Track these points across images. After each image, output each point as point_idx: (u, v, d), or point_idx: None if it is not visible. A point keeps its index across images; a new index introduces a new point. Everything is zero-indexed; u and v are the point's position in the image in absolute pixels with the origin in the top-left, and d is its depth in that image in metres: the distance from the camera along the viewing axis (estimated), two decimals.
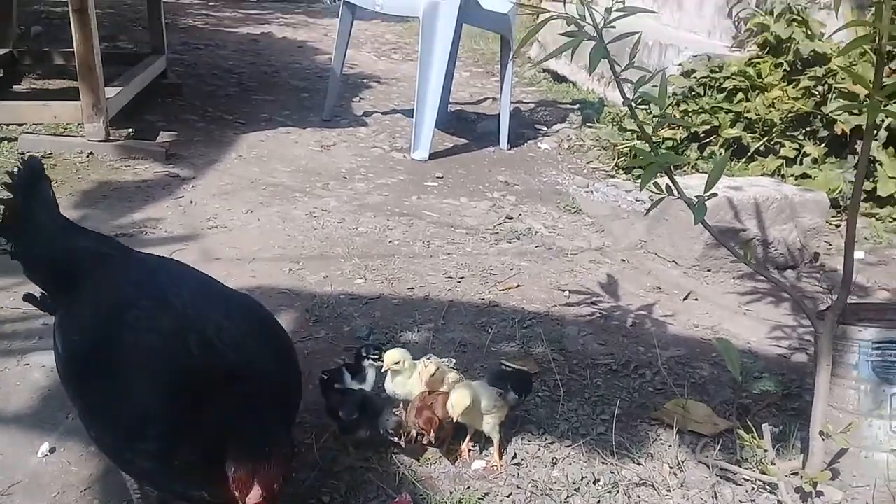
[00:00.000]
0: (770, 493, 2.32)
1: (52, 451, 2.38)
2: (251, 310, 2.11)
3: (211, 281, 2.20)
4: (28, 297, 2.29)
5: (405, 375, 2.47)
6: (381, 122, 6.71)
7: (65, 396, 2.59)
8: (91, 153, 4.91)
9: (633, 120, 5.91)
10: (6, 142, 4.92)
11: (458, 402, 2.28)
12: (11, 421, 2.51)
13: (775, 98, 5.37)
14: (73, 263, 2.15)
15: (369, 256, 4.00)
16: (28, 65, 6.61)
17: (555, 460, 2.44)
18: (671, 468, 2.43)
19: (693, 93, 5.83)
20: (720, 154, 5.45)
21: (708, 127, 5.62)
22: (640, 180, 5.71)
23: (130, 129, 5.47)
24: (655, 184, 2.38)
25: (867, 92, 2.05)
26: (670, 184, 2.28)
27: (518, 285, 3.79)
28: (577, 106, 7.47)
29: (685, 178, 4.53)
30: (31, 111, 4.99)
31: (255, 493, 1.66)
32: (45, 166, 2.33)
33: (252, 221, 4.33)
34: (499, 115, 6.38)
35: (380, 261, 3.96)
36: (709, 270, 4.11)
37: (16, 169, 2.28)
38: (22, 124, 5.09)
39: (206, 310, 1.92)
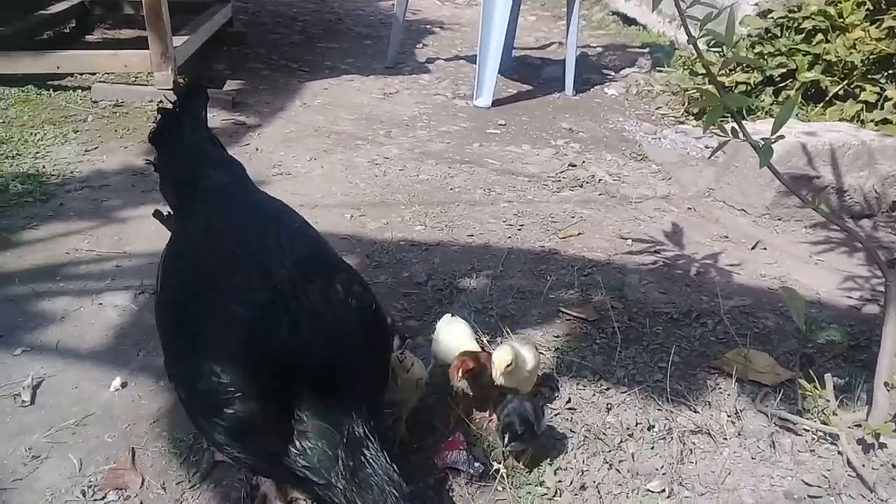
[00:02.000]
0: (831, 444, 2.27)
1: (123, 385, 2.49)
2: (352, 287, 1.85)
3: (319, 246, 2.02)
4: (156, 214, 2.36)
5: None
6: (444, 68, 6.65)
7: (137, 334, 2.75)
8: (161, 101, 4.99)
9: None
10: (80, 90, 5.08)
11: (499, 360, 2.19)
12: (86, 357, 2.63)
13: (857, 39, 5.08)
14: (196, 192, 2.12)
15: (430, 203, 4.00)
16: (99, 14, 6.76)
17: (609, 406, 2.43)
18: (729, 417, 2.39)
19: (769, 34, 5.58)
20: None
21: (784, 70, 5.38)
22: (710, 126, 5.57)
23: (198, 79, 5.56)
24: (722, 128, 2.29)
25: None
26: (736, 127, 2.19)
27: (579, 233, 3.74)
28: (646, 50, 7.24)
29: (757, 123, 4.37)
30: (102, 60, 5.11)
31: None
32: (201, 89, 2.41)
33: (315, 168, 4.38)
34: (564, 60, 6.24)
35: (440, 208, 3.96)
36: (779, 219, 3.98)
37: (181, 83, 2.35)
38: (94, 73, 5.23)
39: (306, 288, 1.75)
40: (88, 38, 6.52)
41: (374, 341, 1.84)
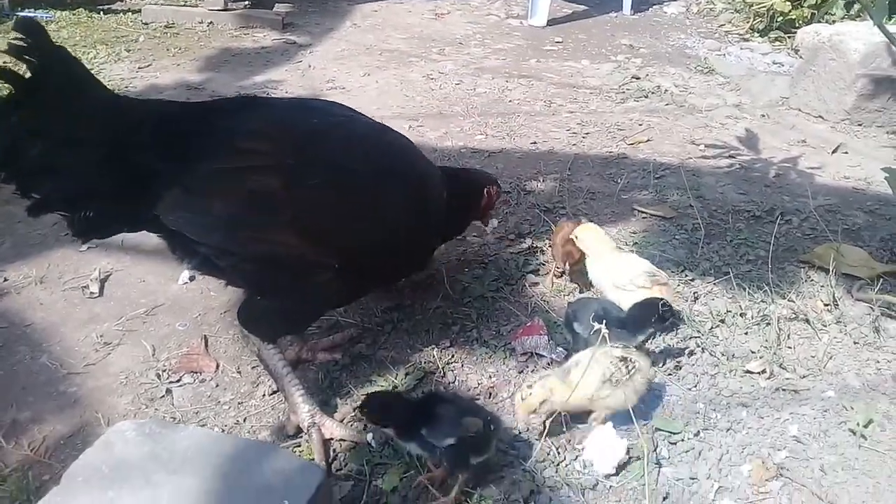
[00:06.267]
0: None
1: (191, 279, 2.44)
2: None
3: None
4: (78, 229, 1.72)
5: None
6: None
7: None
8: (211, 22, 4.94)
9: None
10: (130, 13, 5.01)
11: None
12: (151, 253, 2.58)
13: None
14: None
15: (489, 114, 3.87)
16: None
17: (696, 295, 2.31)
18: (826, 305, 2.25)
19: None
20: None
21: None
22: (777, 42, 5.31)
23: (246, 2, 5.44)
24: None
25: None
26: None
27: (648, 140, 3.58)
28: None
29: (837, 25, 4.12)
30: None
31: None
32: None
33: (370, 83, 4.26)
34: None
35: (500, 118, 3.82)
36: (859, 124, 3.75)
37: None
38: None
39: None
40: None
41: None
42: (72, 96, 1.63)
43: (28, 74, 1.60)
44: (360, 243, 1.75)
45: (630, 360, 1.73)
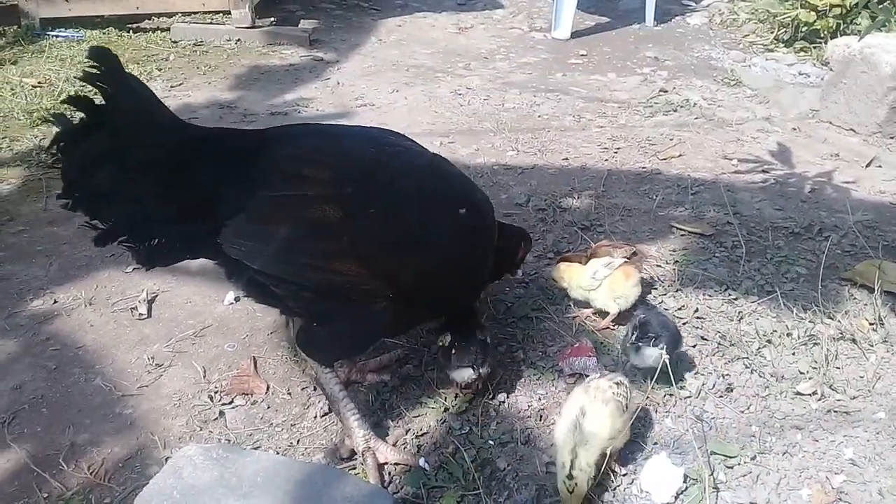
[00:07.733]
0: None
1: (236, 299, 2.47)
2: None
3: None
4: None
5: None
6: (518, 3, 6.47)
7: None
8: (239, 40, 4.99)
9: None
10: (159, 31, 5.07)
11: None
12: (196, 274, 2.61)
13: None
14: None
15: (519, 130, 3.89)
16: None
17: (741, 314, 2.31)
18: (871, 324, 2.25)
19: None
20: None
21: None
22: (802, 53, 5.30)
23: (272, 18, 5.49)
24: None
25: None
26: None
27: (680, 154, 3.59)
28: None
29: (867, 38, 4.10)
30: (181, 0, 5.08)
31: None
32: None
33: (399, 100, 4.29)
34: None
35: (530, 134, 3.84)
36: (892, 138, 3.74)
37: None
38: (172, 15, 5.20)
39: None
40: None
41: None
42: (142, 123, 1.68)
43: (101, 101, 1.64)
44: (416, 272, 1.77)
45: (620, 382, 1.74)
